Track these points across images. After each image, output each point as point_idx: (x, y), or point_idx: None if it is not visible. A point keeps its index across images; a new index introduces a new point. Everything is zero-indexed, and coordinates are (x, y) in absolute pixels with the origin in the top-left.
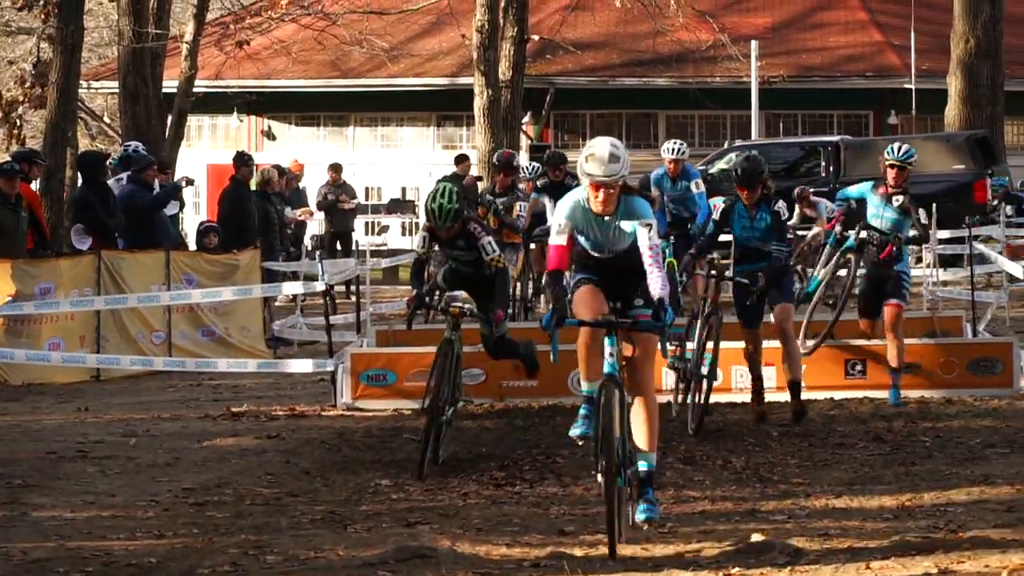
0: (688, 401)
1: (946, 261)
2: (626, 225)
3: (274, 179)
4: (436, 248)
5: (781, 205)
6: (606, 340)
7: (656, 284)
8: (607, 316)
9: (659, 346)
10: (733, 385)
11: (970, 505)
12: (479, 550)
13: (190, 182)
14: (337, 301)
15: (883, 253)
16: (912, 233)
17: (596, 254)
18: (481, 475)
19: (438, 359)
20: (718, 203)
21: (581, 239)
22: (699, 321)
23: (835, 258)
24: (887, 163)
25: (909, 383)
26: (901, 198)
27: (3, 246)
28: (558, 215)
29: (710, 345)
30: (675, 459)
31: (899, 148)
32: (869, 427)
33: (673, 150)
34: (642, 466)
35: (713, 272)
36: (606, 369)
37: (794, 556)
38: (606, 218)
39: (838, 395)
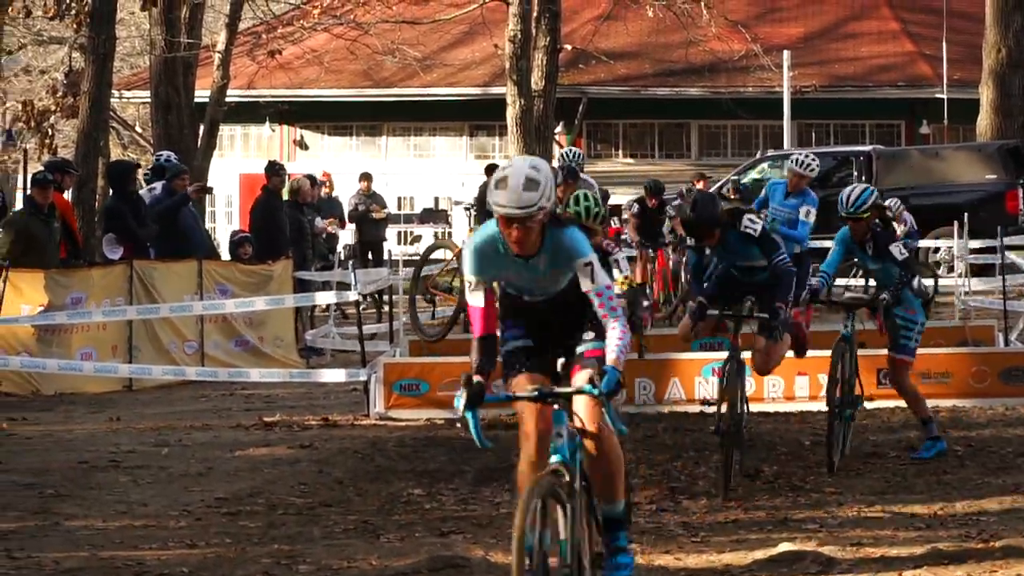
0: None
1: (978, 270)
2: (557, 269)
3: (305, 188)
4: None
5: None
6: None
7: (611, 345)
8: (545, 388)
9: (606, 418)
10: (766, 395)
11: (1002, 514)
12: (512, 560)
13: (207, 190)
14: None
15: (877, 324)
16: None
17: (526, 298)
18: (514, 485)
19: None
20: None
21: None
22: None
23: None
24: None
25: (941, 392)
26: (871, 245)
27: (36, 256)
28: (464, 266)
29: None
30: (708, 468)
31: (848, 199)
32: (901, 436)
33: (804, 164)
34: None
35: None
36: (554, 457)
37: (826, 565)
38: (529, 260)
39: (870, 405)
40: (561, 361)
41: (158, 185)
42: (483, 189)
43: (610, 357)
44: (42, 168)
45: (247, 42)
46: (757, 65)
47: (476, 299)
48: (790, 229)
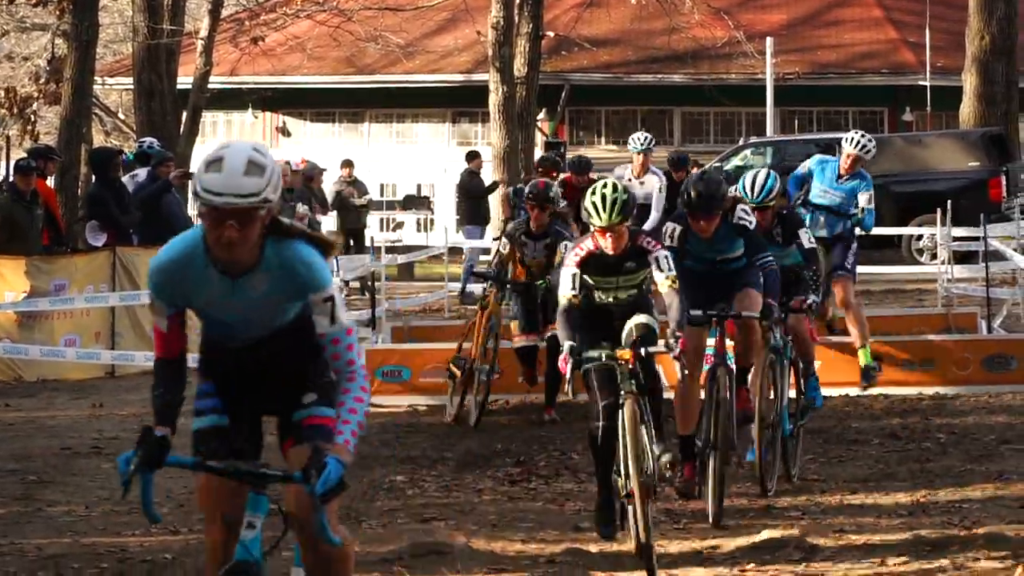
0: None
1: (961, 258)
2: (278, 297)
3: (287, 174)
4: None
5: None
6: (246, 511)
7: (343, 417)
8: (242, 465)
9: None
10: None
11: (985, 502)
12: (494, 546)
13: (189, 176)
14: (350, 299)
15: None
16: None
17: (228, 343)
18: (496, 471)
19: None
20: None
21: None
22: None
23: None
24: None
25: (924, 379)
26: (779, 231)
27: (18, 243)
28: (149, 281)
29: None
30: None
31: (753, 186)
32: (884, 424)
33: (857, 143)
34: None
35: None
36: (237, 555)
37: (809, 552)
38: (238, 280)
39: (853, 392)
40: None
41: (141, 172)
42: (465, 176)
43: (338, 439)
44: (25, 155)
45: (230, 29)
46: (740, 52)
47: (159, 321)
48: (836, 216)
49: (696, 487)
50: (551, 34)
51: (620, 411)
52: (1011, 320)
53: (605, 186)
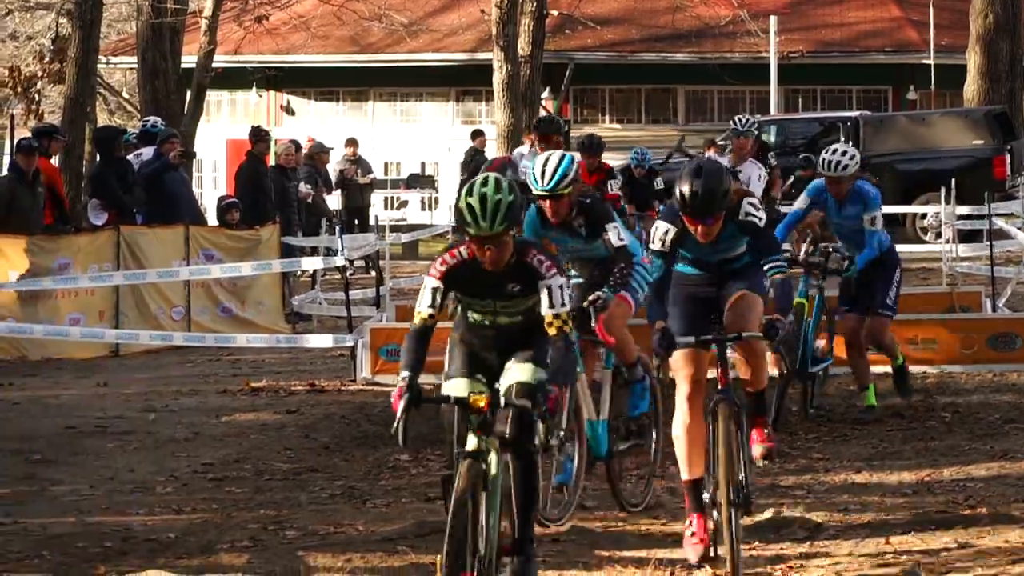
0: None
1: (965, 236)
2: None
3: (291, 154)
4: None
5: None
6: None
7: None
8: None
9: None
10: None
11: (989, 480)
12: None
13: (190, 155)
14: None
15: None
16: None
17: None
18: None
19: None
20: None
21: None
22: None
23: None
24: None
25: (929, 358)
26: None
27: (19, 222)
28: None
29: None
30: None
31: (543, 172)
32: (888, 402)
33: (829, 164)
34: None
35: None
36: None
37: (813, 531)
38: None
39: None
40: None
41: (146, 151)
42: (469, 155)
43: None
44: (29, 134)
45: (234, 7)
46: (744, 30)
47: None
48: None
49: (709, 550)
50: (555, 13)
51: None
52: (1016, 299)
53: (485, 183)
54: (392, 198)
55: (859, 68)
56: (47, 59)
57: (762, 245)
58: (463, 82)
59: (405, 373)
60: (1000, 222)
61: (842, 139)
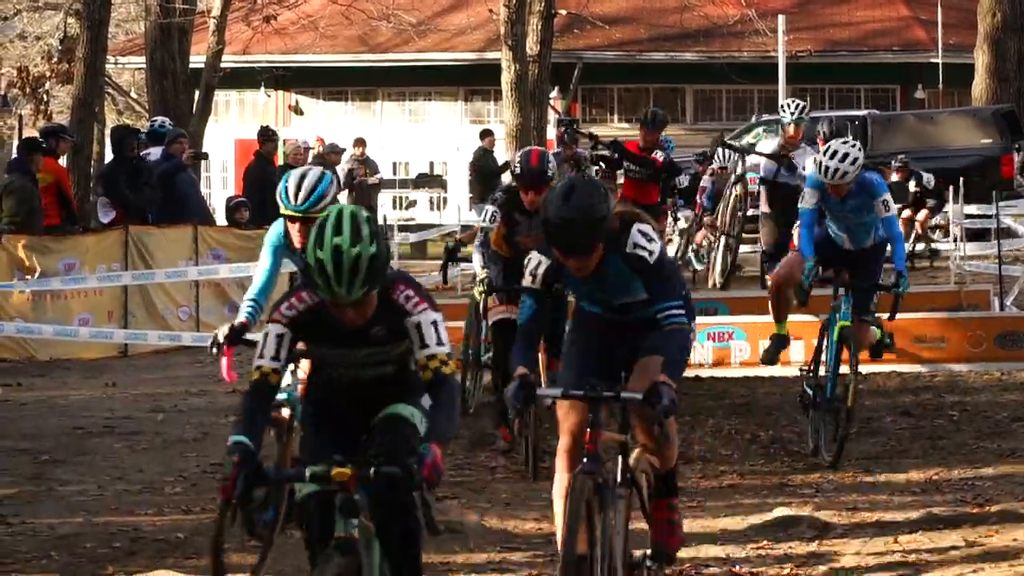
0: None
1: (973, 235)
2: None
3: (299, 153)
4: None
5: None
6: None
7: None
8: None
9: None
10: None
11: (997, 479)
12: (507, 525)
13: (201, 156)
14: None
15: None
16: None
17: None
18: (509, 450)
19: None
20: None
21: None
22: None
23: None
24: None
25: (937, 356)
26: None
27: (36, 223)
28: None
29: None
30: (704, 433)
31: (297, 189)
32: (896, 401)
33: (832, 172)
34: None
35: None
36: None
37: (822, 530)
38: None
39: (865, 369)
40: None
41: (154, 151)
42: (478, 154)
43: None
44: (37, 134)
45: (242, 7)
46: (752, 30)
47: None
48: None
49: None
50: (563, 12)
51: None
52: (1023, 297)
53: (339, 227)
54: (401, 198)
55: (867, 67)
56: (55, 59)
57: (654, 287)
58: (472, 82)
59: (241, 439)
60: (1008, 220)
61: (850, 138)
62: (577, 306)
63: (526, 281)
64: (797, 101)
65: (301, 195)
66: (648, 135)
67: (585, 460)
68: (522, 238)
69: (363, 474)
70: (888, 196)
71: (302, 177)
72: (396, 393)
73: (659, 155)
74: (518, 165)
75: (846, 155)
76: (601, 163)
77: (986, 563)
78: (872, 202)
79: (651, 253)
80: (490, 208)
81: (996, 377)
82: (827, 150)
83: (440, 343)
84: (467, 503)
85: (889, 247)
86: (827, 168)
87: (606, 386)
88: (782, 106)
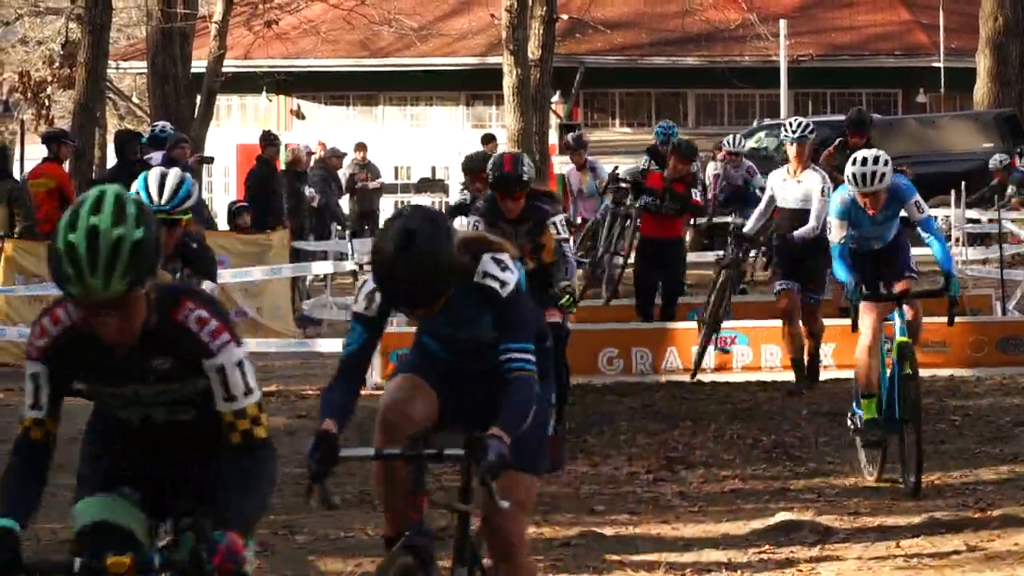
0: None
1: (975, 240)
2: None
3: (302, 158)
4: None
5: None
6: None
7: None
8: None
9: None
10: (763, 364)
11: (999, 483)
12: None
13: (206, 160)
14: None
15: None
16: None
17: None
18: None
19: None
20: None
21: None
22: None
23: None
24: None
25: (938, 361)
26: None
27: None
28: None
29: None
30: (706, 438)
31: (160, 188)
32: None
33: (867, 178)
34: None
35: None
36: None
37: (823, 535)
38: None
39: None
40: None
41: (155, 155)
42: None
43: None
44: (39, 139)
45: (244, 12)
46: (753, 34)
47: None
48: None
49: None
50: (565, 17)
51: None
52: None
53: (99, 205)
54: (402, 202)
55: (869, 71)
56: (57, 64)
57: (504, 321)
58: (473, 86)
59: (4, 524)
60: (1010, 225)
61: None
62: (416, 339)
63: (357, 306)
64: (800, 119)
65: (166, 194)
66: (680, 164)
67: (407, 532)
68: None
69: (144, 564)
70: (919, 196)
71: (163, 176)
72: (202, 445)
73: (696, 195)
74: (491, 172)
75: (877, 157)
76: (618, 194)
77: (988, 567)
78: (901, 207)
79: (503, 284)
80: (471, 219)
81: (998, 381)
82: (853, 160)
83: (248, 391)
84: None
85: (931, 250)
86: (862, 176)
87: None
88: (783, 126)
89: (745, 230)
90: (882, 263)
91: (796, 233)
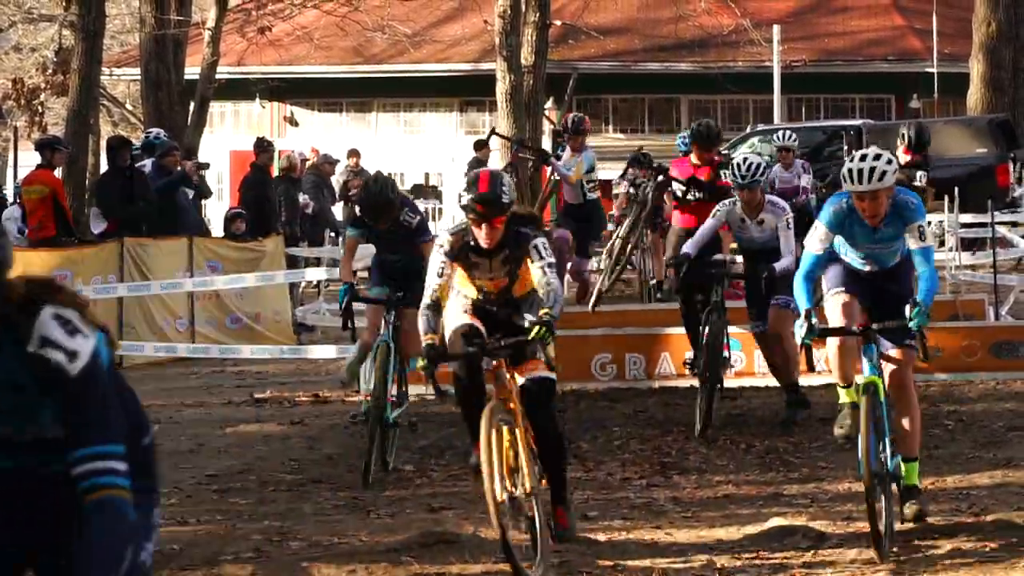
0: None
1: (968, 245)
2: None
3: (296, 164)
4: None
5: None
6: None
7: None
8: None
9: None
10: (756, 369)
11: (993, 488)
12: None
13: (203, 167)
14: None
15: None
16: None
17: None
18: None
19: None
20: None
21: None
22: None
23: None
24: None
25: (931, 366)
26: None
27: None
28: None
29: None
30: (699, 443)
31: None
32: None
33: (865, 174)
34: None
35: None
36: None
37: (817, 540)
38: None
39: (860, 379)
40: None
41: (148, 163)
42: (473, 165)
43: None
44: (33, 146)
45: (237, 19)
46: (747, 40)
47: None
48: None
49: None
50: (558, 23)
51: None
52: (1019, 307)
53: None
54: None
55: (862, 77)
56: (50, 71)
57: (73, 415)
58: (466, 92)
59: None
60: (1003, 230)
61: (845, 148)
62: None
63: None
64: (750, 162)
65: None
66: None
67: None
68: (485, 282)
69: None
70: (925, 223)
71: None
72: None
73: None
74: (464, 194)
75: (879, 155)
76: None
77: (982, 572)
78: (905, 228)
79: (72, 356)
80: (438, 260)
81: (992, 386)
82: (852, 156)
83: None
84: (463, 514)
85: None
86: (859, 172)
87: None
88: (732, 171)
89: (686, 249)
90: (877, 293)
91: (777, 267)
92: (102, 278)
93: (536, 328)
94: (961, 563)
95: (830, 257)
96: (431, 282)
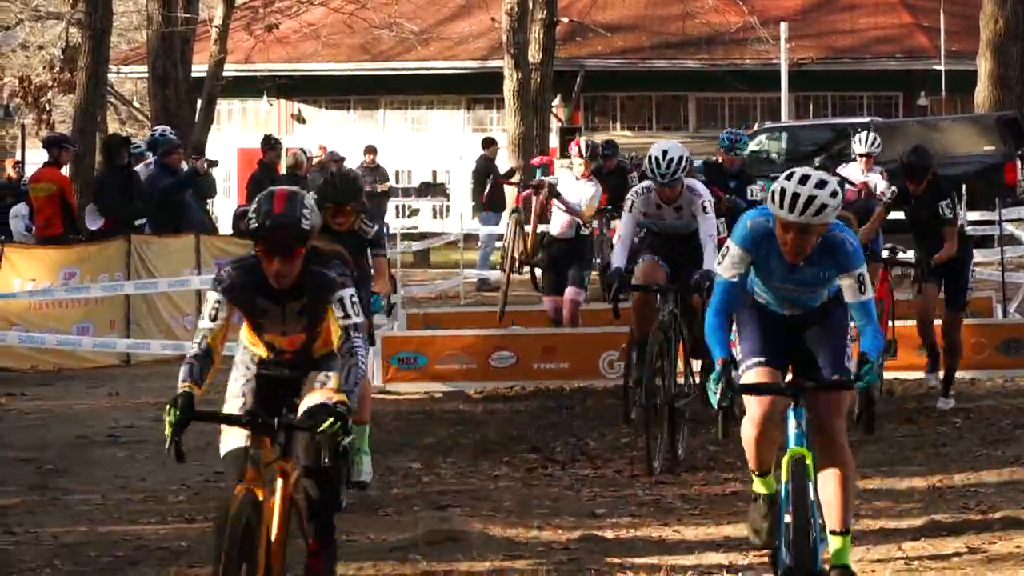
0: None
1: (976, 242)
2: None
3: (303, 162)
4: None
5: None
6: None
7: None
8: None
9: None
10: None
11: (1001, 486)
12: (510, 533)
13: (212, 164)
14: None
15: None
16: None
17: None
18: (512, 458)
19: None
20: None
21: None
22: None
23: None
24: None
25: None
26: None
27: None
28: None
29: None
30: (706, 440)
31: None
32: (899, 408)
33: (802, 203)
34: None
35: None
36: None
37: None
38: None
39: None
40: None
41: (151, 160)
42: (480, 163)
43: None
44: (40, 143)
45: (244, 16)
46: (754, 37)
47: None
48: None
49: None
50: (565, 20)
51: None
52: None
53: None
54: (403, 206)
55: (870, 74)
56: (57, 69)
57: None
58: (474, 90)
59: None
60: (1011, 227)
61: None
62: None
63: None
64: (671, 156)
65: None
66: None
67: None
68: (276, 336)
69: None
70: (866, 271)
71: None
72: None
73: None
74: (252, 215)
75: (823, 181)
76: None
77: (990, 570)
78: (838, 275)
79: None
80: (213, 299)
81: (999, 384)
82: (788, 174)
83: None
84: (470, 511)
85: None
86: (792, 197)
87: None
88: (652, 162)
89: (616, 265)
90: (803, 343)
91: (707, 265)
92: (109, 276)
93: (328, 421)
94: (969, 560)
95: (744, 287)
96: (202, 326)
